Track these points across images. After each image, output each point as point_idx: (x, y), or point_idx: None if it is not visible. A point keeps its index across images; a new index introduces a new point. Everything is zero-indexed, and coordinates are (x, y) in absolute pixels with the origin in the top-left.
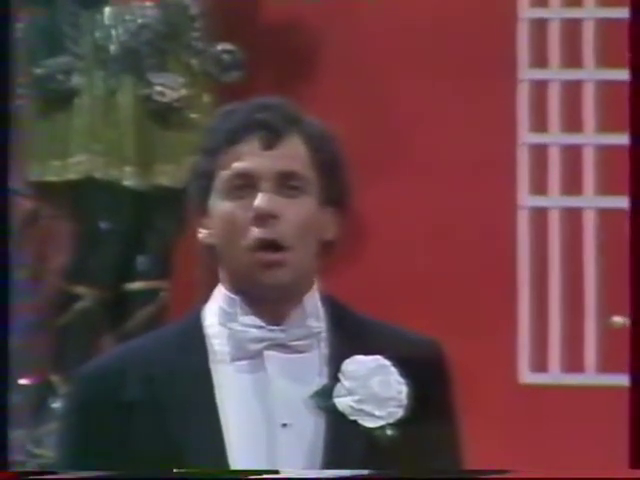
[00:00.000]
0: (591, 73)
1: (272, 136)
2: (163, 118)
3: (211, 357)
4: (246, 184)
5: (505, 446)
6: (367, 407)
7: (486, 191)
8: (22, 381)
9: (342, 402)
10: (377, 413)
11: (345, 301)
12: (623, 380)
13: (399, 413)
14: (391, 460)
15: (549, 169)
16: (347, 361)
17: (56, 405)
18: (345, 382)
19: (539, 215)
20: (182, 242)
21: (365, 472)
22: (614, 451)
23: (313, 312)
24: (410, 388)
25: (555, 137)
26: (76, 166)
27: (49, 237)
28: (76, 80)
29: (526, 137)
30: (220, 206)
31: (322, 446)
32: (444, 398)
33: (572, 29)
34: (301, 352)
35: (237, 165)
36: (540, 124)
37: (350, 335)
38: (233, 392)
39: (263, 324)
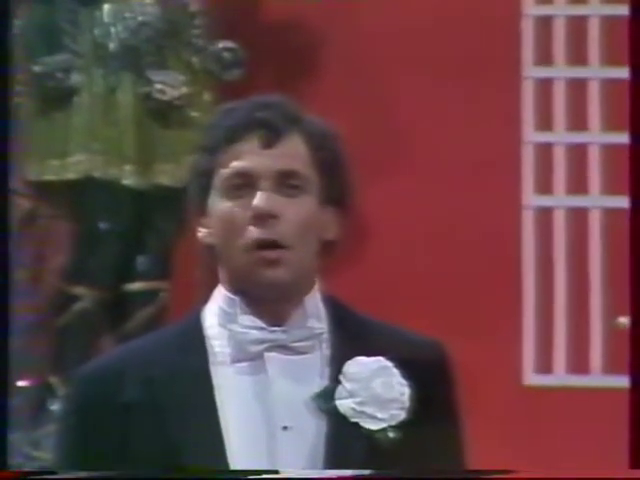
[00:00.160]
0: (596, 71)
1: (272, 135)
2: (163, 116)
3: (211, 358)
4: (245, 183)
5: (509, 449)
6: (369, 409)
7: (490, 191)
8: (20, 383)
9: (344, 404)
10: (379, 415)
11: (347, 302)
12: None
13: (401, 415)
14: (393, 463)
15: (554, 168)
16: (349, 363)
17: (55, 407)
18: (347, 384)
19: (544, 215)
20: (182, 242)
21: (366, 472)
22: (620, 453)
23: (314, 313)
24: (413, 390)
25: (560, 136)
26: (75, 165)
27: (48, 237)
28: (75, 78)
29: (531, 136)
30: (219, 205)
31: (323, 449)
32: (447, 400)
33: (577, 26)
34: (302, 353)
35: (236, 164)
36: (545, 123)
37: (352, 336)
38: (233, 394)
39: (264, 325)
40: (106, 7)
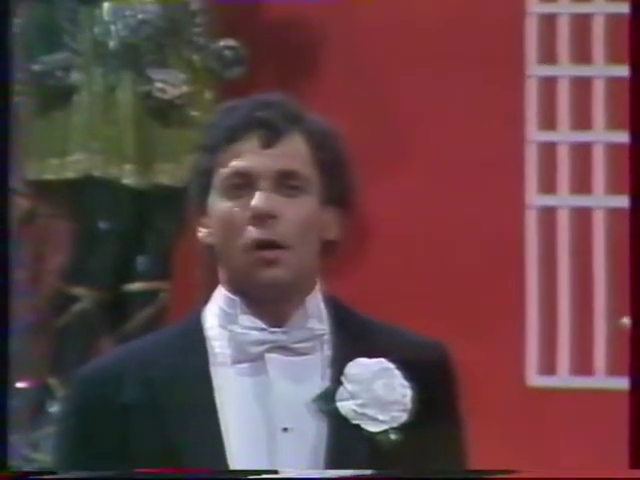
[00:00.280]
0: (601, 69)
1: (272, 134)
2: (163, 115)
3: (211, 360)
4: (245, 183)
5: (512, 450)
6: (370, 411)
7: (493, 190)
8: (19, 384)
9: (345, 406)
10: (380, 417)
11: (348, 302)
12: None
13: (403, 417)
14: (394, 465)
15: (558, 167)
16: (350, 364)
17: (54, 409)
18: (348, 385)
19: (548, 215)
20: (182, 242)
21: (368, 472)
22: (625, 454)
23: (315, 313)
24: (414, 391)
25: (564, 135)
26: (75, 164)
27: (47, 237)
28: (75, 77)
29: (534, 135)
30: (219, 205)
31: (324, 451)
32: (449, 402)
33: (582, 24)
34: (303, 354)
35: (236, 163)
36: (549, 121)
37: (353, 337)
38: (233, 395)
39: (264, 326)
40: (106, 5)
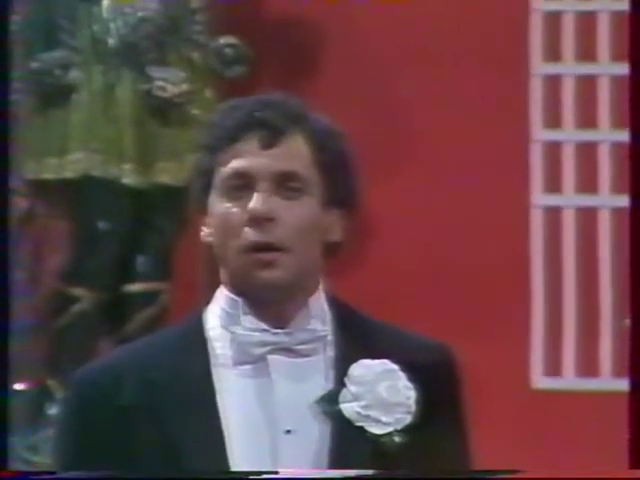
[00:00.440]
0: (606, 67)
1: (272, 135)
2: (164, 114)
3: (213, 361)
4: (243, 184)
5: (517, 453)
6: (374, 413)
7: (498, 190)
8: (17, 386)
9: (348, 408)
10: (384, 419)
11: (352, 303)
12: None
13: (407, 419)
14: (398, 468)
15: (563, 167)
16: (354, 365)
17: (53, 411)
18: (351, 387)
19: (553, 214)
20: (183, 242)
21: (370, 472)
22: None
23: (318, 314)
24: (418, 393)
25: (569, 134)
26: (73, 164)
27: (45, 237)
28: (74, 75)
29: (539, 134)
30: (218, 205)
31: (327, 453)
32: (453, 404)
33: (586, 22)
34: (306, 356)
35: (235, 164)
36: (554, 120)
37: (357, 338)
38: (235, 397)
39: (267, 327)
40: (105, 2)
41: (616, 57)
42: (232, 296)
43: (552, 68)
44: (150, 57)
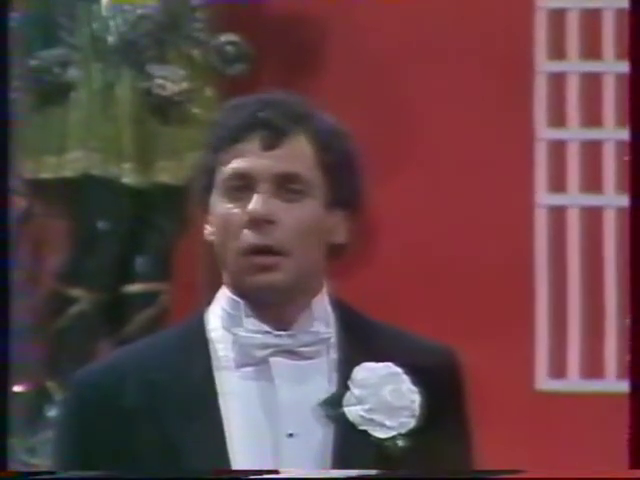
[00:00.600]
0: (611, 65)
1: (274, 136)
2: (163, 112)
3: (215, 363)
4: (244, 185)
5: (521, 455)
6: (378, 417)
7: (502, 189)
8: (16, 388)
9: (352, 411)
10: (388, 423)
11: (356, 305)
12: None
13: (411, 423)
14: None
15: (568, 166)
16: (357, 368)
17: (52, 413)
18: (355, 390)
19: (557, 214)
20: (183, 242)
21: (372, 472)
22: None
23: (322, 317)
24: (423, 397)
25: (574, 132)
26: (72, 163)
27: (44, 237)
28: (72, 73)
29: (544, 132)
30: (219, 205)
31: (330, 457)
32: (457, 408)
33: (591, 19)
34: (309, 358)
35: (236, 165)
36: (558, 119)
37: (360, 341)
38: (237, 400)
39: (269, 329)
40: (104, 0)
41: (621, 55)
42: (234, 297)
43: (556, 66)
44: (150, 55)
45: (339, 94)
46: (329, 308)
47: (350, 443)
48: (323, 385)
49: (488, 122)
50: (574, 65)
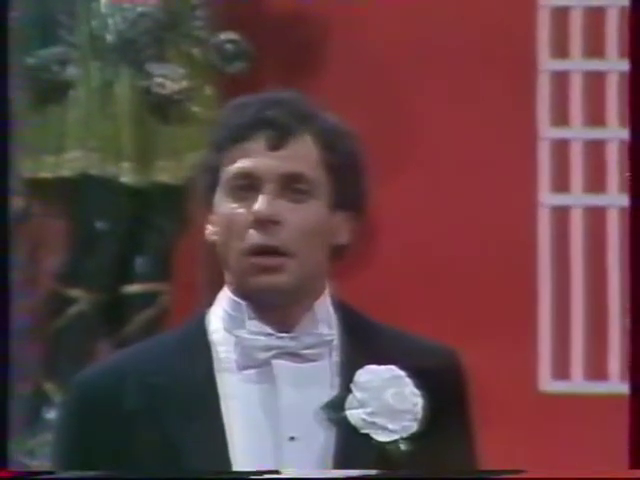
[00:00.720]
0: (615, 64)
1: (279, 135)
2: (163, 111)
3: (216, 365)
4: (249, 185)
5: (525, 458)
6: (380, 420)
7: (505, 189)
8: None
9: (354, 414)
10: (390, 427)
11: (359, 307)
12: None
13: (414, 427)
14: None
15: (571, 165)
16: (360, 371)
17: (50, 415)
18: (357, 393)
19: (561, 214)
20: (183, 242)
21: (373, 472)
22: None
23: (324, 319)
24: (425, 400)
25: (578, 131)
26: (71, 162)
27: (42, 237)
28: (71, 71)
29: (547, 132)
30: (223, 204)
31: (331, 461)
32: (460, 410)
33: (595, 17)
34: (311, 361)
35: (241, 164)
36: (562, 118)
37: (363, 343)
38: (239, 403)
39: (272, 331)
40: None
41: (625, 53)
42: (236, 299)
43: (560, 64)
44: (149, 53)
45: (339, 93)
46: (331, 310)
47: (352, 447)
48: (325, 388)
49: (490, 121)
50: (577, 64)
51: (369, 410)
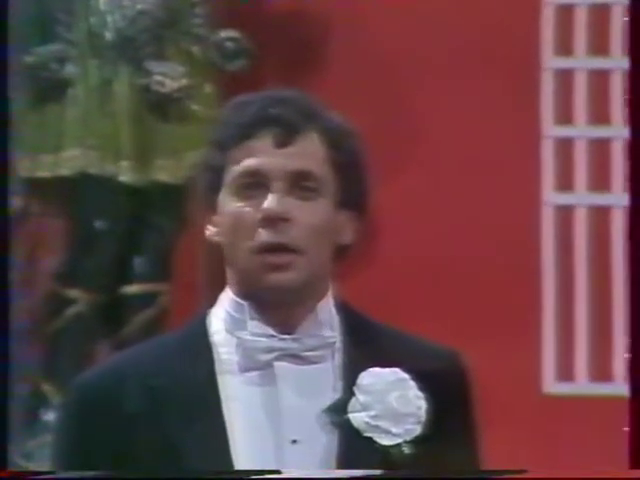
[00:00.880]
0: (619, 62)
1: (286, 133)
2: (162, 110)
3: (217, 367)
4: (257, 183)
5: (528, 460)
6: (383, 423)
7: (509, 187)
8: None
9: (357, 418)
10: (394, 430)
11: (361, 309)
12: None
13: (417, 430)
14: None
15: (575, 164)
16: (363, 374)
17: (49, 417)
18: (360, 396)
19: (565, 213)
20: (183, 242)
21: (377, 472)
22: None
23: (327, 320)
24: (429, 403)
25: (582, 130)
26: (69, 161)
27: (40, 237)
28: (69, 69)
29: (551, 130)
30: (229, 204)
31: (334, 464)
32: (464, 412)
33: (599, 15)
34: (314, 363)
35: (248, 162)
36: (566, 116)
37: (366, 345)
38: (241, 405)
39: (274, 333)
40: None
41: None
42: (238, 300)
43: (564, 62)
44: (148, 51)
45: (340, 91)
46: (334, 311)
47: (355, 450)
48: (328, 391)
49: (494, 120)
50: (581, 61)
51: (372, 413)
